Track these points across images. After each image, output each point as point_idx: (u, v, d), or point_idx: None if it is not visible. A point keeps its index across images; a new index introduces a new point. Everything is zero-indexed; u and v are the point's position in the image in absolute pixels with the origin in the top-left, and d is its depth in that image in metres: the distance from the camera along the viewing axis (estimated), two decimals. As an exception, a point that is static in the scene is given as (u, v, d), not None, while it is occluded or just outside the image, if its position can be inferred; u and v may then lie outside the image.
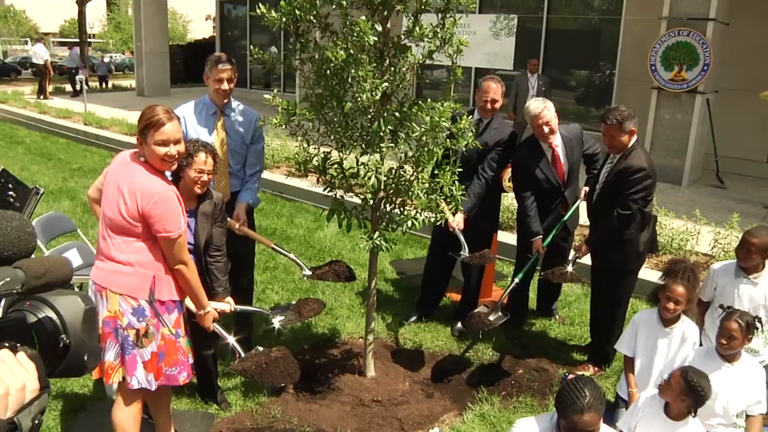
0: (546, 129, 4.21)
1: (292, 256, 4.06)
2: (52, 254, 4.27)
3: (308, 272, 3.96)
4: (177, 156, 2.81)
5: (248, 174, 4.03)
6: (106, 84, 23.42)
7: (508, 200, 6.43)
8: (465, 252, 4.26)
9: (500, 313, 4.15)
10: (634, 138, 3.95)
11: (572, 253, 4.36)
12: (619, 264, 4.13)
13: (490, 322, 4.00)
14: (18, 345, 1.04)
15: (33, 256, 1.26)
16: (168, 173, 2.98)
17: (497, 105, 4.41)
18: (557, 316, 5.06)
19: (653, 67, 8.89)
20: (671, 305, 3.38)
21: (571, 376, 3.78)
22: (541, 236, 4.36)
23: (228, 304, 3.28)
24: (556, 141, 4.36)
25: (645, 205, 3.95)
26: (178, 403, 3.72)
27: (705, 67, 8.40)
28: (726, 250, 5.81)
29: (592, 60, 12.30)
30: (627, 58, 11.17)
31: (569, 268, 4.21)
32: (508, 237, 6.34)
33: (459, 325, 4.71)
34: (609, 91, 11.77)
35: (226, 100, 3.90)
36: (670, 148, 9.08)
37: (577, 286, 5.61)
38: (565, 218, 4.43)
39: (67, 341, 1.15)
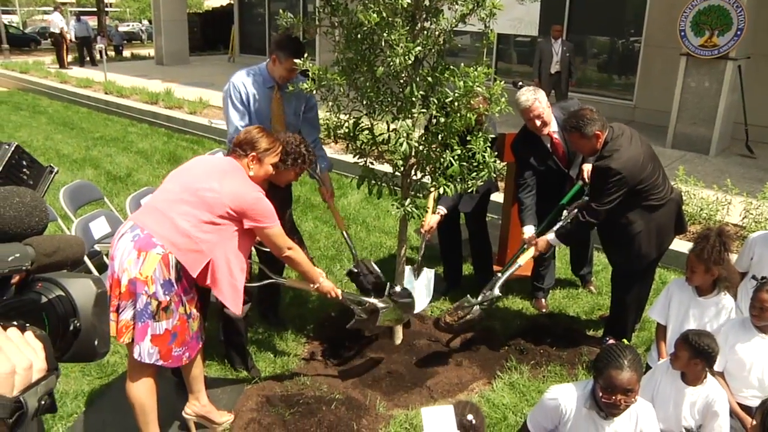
0: (538, 122, 4.06)
1: (351, 245, 4.24)
2: (79, 222, 4.28)
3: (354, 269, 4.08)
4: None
5: (314, 141, 3.99)
6: (121, 53, 23.42)
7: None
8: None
9: (477, 308, 3.98)
10: (605, 137, 3.69)
11: (481, 295, 3.99)
12: (625, 266, 3.98)
13: (454, 323, 3.90)
14: (27, 324, 1.01)
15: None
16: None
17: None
18: (590, 285, 5.01)
19: (683, 33, 8.65)
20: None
21: (611, 341, 3.75)
22: (532, 229, 4.23)
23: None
24: (553, 127, 4.17)
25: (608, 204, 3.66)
26: (208, 369, 3.74)
27: (738, 33, 8.15)
28: (757, 221, 5.70)
29: (618, 25, 12.01)
30: (654, 24, 10.89)
31: (476, 306, 3.91)
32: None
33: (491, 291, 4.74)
34: (635, 57, 11.51)
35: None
36: (698, 117, 8.89)
37: (604, 255, 5.54)
38: (564, 201, 4.30)
39: (78, 325, 1.12)
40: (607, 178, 3.59)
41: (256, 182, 3.07)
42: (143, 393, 2.92)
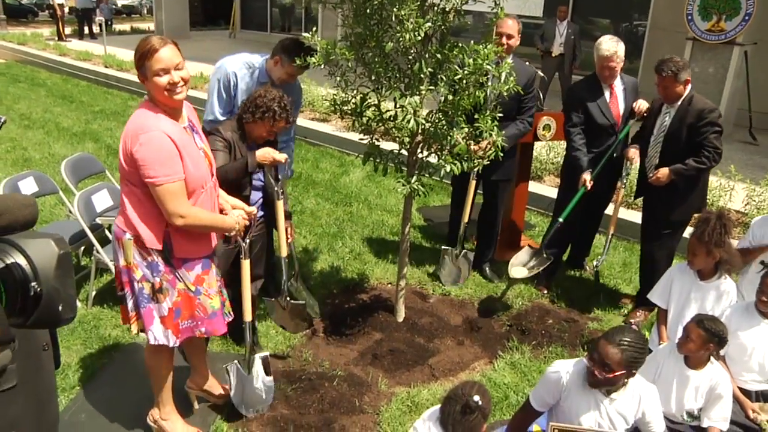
0: (606, 73, 4.27)
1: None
2: (81, 195, 4.25)
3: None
4: (182, 83, 2.49)
5: (283, 141, 3.92)
6: (110, 27, 23.16)
7: (538, 149, 6.33)
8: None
9: (544, 256, 4.33)
10: (689, 86, 3.95)
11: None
12: (679, 215, 4.14)
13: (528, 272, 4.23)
14: None
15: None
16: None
17: (512, 41, 4.21)
18: (587, 268, 5.02)
19: (689, 17, 8.56)
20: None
21: (633, 327, 3.77)
22: (589, 170, 4.33)
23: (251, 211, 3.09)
24: (616, 82, 4.37)
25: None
26: (211, 345, 3.72)
27: (746, 17, 8.07)
28: (760, 208, 5.70)
29: (624, 8, 11.92)
30: (661, 7, 10.81)
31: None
32: (537, 187, 6.27)
33: (487, 270, 4.84)
34: (640, 41, 11.43)
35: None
36: (702, 102, 8.83)
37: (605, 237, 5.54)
38: (618, 140, 4.38)
39: (39, 290, 1.05)
40: (707, 116, 3.86)
41: (169, 110, 2.54)
42: (160, 361, 2.90)
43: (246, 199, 3.26)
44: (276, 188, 3.39)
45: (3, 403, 1.36)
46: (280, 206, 3.42)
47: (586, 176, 4.31)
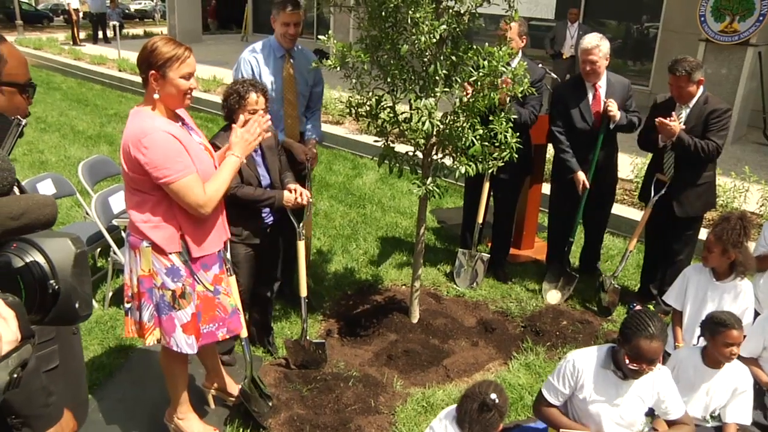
0: (588, 68, 4.22)
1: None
2: (98, 197, 4.29)
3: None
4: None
5: (312, 112, 4.16)
6: (121, 31, 23.31)
7: (551, 151, 6.31)
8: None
9: (567, 273, 4.46)
10: (702, 87, 3.99)
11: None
12: (699, 210, 4.21)
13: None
14: None
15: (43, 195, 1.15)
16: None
17: (512, 44, 4.12)
18: (600, 271, 5.01)
19: (702, 18, 8.53)
20: None
21: (638, 307, 3.76)
22: (580, 171, 4.33)
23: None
24: (601, 82, 4.32)
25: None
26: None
27: (760, 18, 8.03)
28: (775, 208, 5.68)
29: (636, 10, 11.87)
30: (673, 8, 10.76)
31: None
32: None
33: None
34: (652, 42, 11.38)
35: (293, 45, 3.92)
36: (716, 103, 8.79)
37: (619, 240, 5.54)
38: (597, 146, 4.31)
39: (57, 287, 1.07)
40: (720, 116, 3.94)
41: (170, 109, 2.57)
42: (175, 362, 2.91)
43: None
44: (298, 229, 3.48)
45: (50, 382, 1.40)
46: (301, 246, 3.49)
47: (581, 176, 4.32)
